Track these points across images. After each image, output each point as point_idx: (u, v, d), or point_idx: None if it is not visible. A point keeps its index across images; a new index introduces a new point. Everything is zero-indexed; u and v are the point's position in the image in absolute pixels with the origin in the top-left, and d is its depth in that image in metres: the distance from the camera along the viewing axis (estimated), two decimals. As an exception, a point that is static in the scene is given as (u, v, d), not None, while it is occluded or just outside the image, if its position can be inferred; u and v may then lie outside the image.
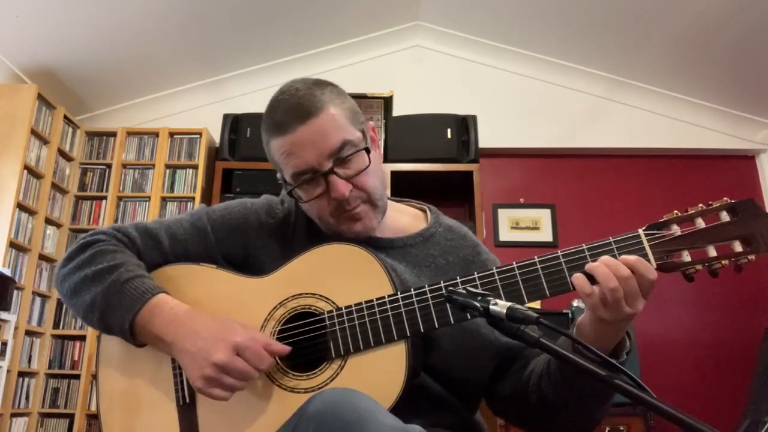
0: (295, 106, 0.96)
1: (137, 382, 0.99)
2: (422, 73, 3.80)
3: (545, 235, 3.56)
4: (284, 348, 0.91)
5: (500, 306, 0.75)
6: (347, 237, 1.00)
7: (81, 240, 1.03)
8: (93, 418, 3.06)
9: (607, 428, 2.77)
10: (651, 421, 2.80)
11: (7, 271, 2.74)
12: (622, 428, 2.79)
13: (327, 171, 0.95)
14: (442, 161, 3.19)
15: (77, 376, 3.12)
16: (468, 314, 0.88)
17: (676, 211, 0.87)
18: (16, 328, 2.84)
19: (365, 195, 0.99)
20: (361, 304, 0.92)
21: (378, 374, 0.89)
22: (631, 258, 0.83)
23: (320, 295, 0.95)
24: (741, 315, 3.44)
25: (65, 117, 3.34)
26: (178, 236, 1.05)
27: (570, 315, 2.98)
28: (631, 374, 0.71)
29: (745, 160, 3.79)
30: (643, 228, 0.88)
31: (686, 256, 0.85)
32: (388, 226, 1.09)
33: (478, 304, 0.78)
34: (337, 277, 0.95)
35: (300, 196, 1.00)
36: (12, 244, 2.90)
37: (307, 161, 0.95)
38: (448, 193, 3.36)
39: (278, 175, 1.04)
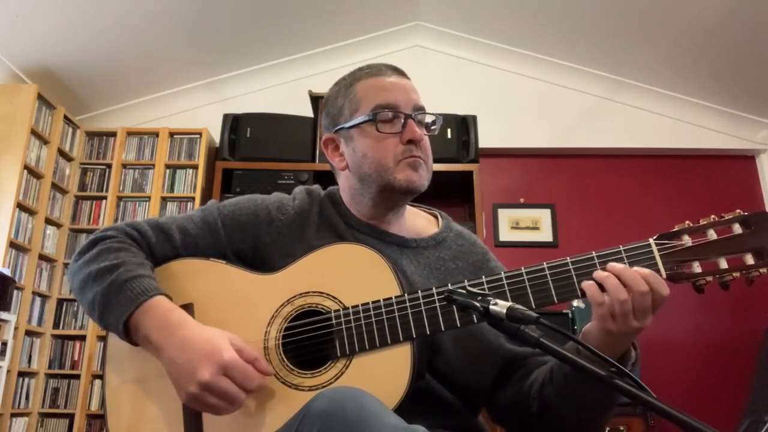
0: (394, 66, 1.11)
1: (144, 375, 0.99)
2: (422, 73, 3.77)
3: (545, 235, 3.55)
4: (269, 369, 0.90)
5: (500, 306, 0.75)
6: (398, 187, 1.02)
7: (92, 236, 1.03)
8: (93, 418, 3.06)
9: (607, 428, 2.77)
10: (651, 421, 2.81)
11: (7, 271, 2.74)
12: (622, 428, 2.79)
13: (409, 114, 1.05)
14: (442, 161, 3.19)
15: (77, 376, 3.11)
16: (473, 317, 0.88)
17: (688, 222, 0.86)
18: (16, 328, 2.83)
19: (424, 156, 1.06)
20: (368, 304, 0.92)
21: (383, 375, 0.89)
22: (646, 271, 0.83)
23: (327, 294, 0.95)
24: (741, 315, 3.43)
25: (65, 117, 3.33)
26: (189, 231, 1.05)
27: (570, 315, 2.98)
28: (631, 374, 0.71)
29: (745, 160, 3.78)
30: (654, 237, 0.87)
31: (697, 268, 0.85)
32: (406, 225, 1.11)
33: (478, 304, 0.77)
34: (345, 276, 0.95)
35: (376, 128, 1.04)
36: (12, 244, 2.90)
37: (397, 99, 1.05)
38: (448, 193, 3.35)
39: (338, 119, 1.09)
